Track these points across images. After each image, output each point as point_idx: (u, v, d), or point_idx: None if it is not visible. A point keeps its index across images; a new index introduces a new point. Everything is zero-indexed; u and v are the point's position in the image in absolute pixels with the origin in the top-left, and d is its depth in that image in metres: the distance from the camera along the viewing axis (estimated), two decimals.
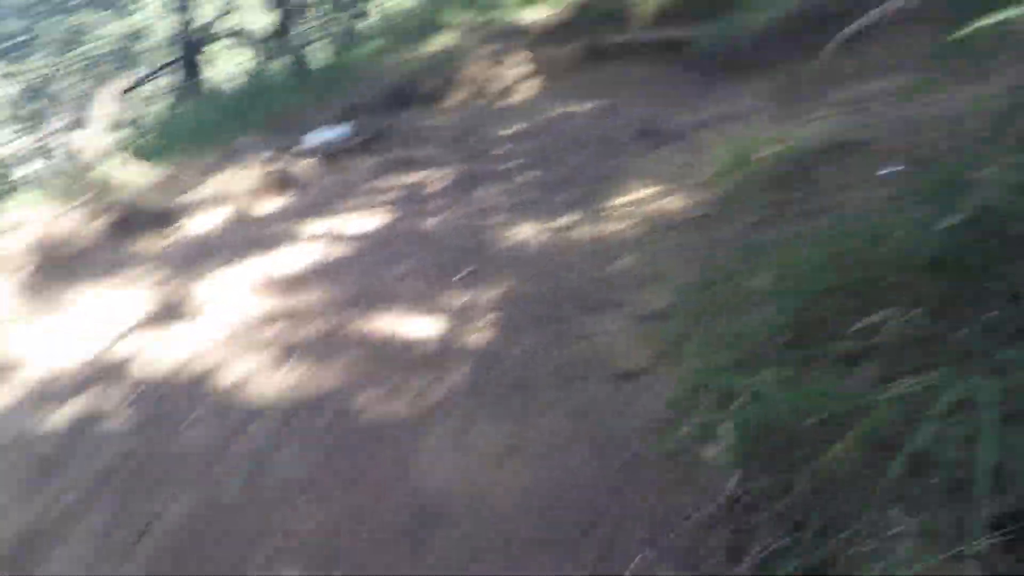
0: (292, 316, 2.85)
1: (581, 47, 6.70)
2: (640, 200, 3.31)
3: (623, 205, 3.33)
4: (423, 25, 6.65)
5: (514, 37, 6.50)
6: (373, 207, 3.94)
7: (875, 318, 1.43)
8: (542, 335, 2.43)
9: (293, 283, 3.16)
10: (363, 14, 8.82)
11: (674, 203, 3.15)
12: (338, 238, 3.57)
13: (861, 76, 3.62)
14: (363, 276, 3.09)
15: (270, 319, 2.87)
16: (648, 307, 2.45)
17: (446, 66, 5.96)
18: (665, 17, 7.09)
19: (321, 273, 3.21)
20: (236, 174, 4.62)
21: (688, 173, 3.50)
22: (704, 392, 1.60)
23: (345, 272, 3.16)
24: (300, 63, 7.03)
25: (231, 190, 4.38)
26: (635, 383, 2.08)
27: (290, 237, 3.70)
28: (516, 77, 6.13)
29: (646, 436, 1.78)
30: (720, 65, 5.34)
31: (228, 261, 3.52)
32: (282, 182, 4.41)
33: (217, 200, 4.36)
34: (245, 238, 3.82)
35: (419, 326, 2.61)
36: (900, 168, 2.13)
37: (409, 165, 4.55)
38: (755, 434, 1.33)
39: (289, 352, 2.60)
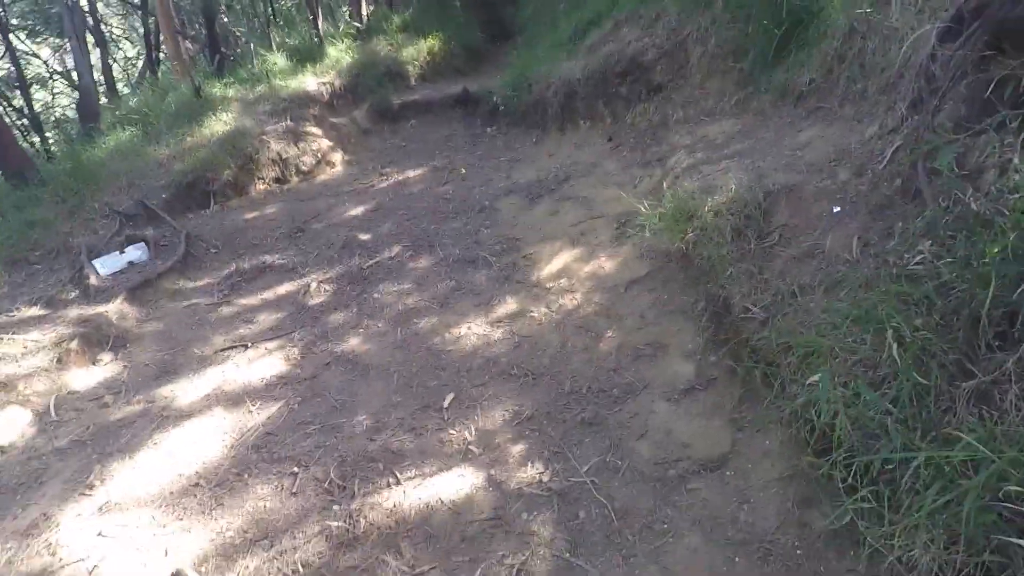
0: (266, 536, 1.99)
1: (370, 110, 6.26)
2: (568, 268, 3.17)
3: (555, 275, 3.14)
4: (187, 105, 5.41)
5: (298, 108, 5.74)
6: (260, 340, 3.03)
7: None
8: (595, 447, 2.13)
9: (213, 488, 2.21)
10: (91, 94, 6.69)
11: (607, 264, 3.08)
12: (241, 397, 2.64)
13: (684, 122, 4.03)
14: (322, 440, 2.33)
15: (235, 550, 1.97)
16: (675, 383, 2.33)
17: (237, 150, 4.95)
18: (438, 74, 7.07)
19: (256, 456, 2.32)
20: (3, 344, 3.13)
21: (590, 229, 3.47)
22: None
23: (291, 444, 2.34)
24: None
25: (9, 373, 2.93)
26: (731, 472, 1.95)
27: (160, 417, 2.61)
28: (319, 151, 5.42)
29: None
30: (522, 118, 5.47)
31: (74, 486, 2.30)
32: (93, 339, 3.10)
33: None
34: (79, 440, 2.54)
35: (446, 487, 2.06)
36: (842, 209, 2.38)
37: (264, 275, 3.63)
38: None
39: None
